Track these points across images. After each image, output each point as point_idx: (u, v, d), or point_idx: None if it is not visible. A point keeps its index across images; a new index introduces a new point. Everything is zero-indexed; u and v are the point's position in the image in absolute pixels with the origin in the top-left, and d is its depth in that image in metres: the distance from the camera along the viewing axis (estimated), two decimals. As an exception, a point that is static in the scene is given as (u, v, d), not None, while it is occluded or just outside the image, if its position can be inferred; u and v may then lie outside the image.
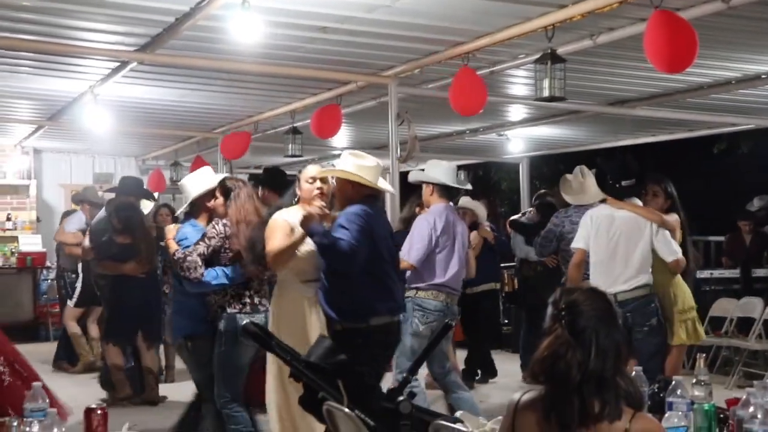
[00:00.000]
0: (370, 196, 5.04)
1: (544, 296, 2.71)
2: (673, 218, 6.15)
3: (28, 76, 8.17)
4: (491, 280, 8.98)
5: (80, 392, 7.99)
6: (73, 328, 9.71)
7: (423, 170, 6.59)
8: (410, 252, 6.26)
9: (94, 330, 9.69)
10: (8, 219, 12.87)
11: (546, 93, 6.09)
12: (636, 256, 5.98)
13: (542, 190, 10.21)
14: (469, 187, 7.15)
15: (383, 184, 5.19)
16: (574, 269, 6.29)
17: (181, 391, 8.29)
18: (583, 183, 7.44)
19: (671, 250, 6.02)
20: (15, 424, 2.67)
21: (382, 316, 5.03)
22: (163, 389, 8.32)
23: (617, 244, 6.02)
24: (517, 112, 10.22)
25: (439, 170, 6.49)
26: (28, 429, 2.94)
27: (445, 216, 6.39)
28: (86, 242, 8.37)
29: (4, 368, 5.08)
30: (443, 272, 6.37)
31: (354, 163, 4.99)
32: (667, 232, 6.03)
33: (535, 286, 8.93)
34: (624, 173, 6.24)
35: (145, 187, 8.97)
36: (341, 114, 8.31)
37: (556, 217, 7.72)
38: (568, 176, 7.61)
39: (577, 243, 6.29)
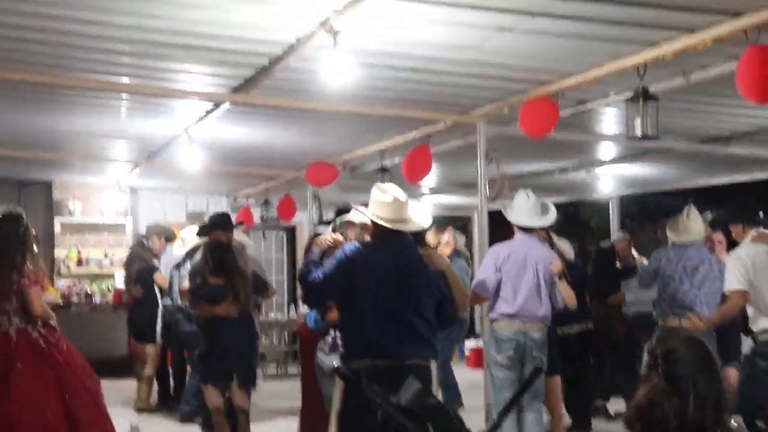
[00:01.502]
0: (389, 231, 4.89)
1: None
2: None
3: (126, 118, 8.43)
4: (576, 320, 8.32)
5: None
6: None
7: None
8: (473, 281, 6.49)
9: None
10: (105, 256, 13.22)
11: (638, 131, 6.01)
12: None
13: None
14: (544, 223, 6.97)
15: (414, 216, 4.96)
16: (735, 311, 6.20)
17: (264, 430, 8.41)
18: (687, 222, 7.35)
19: None
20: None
21: (360, 359, 4.78)
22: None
23: None
24: (607, 150, 10.09)
25: (516, 207, 6.74)
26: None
27: (515, 246, 6.58)
28: (185, 284, 8.50)
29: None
30: (513, 302, 6.47)
31: (372, 199, 4.96)
32: None
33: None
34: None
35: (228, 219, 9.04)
36: (431, 156, 8.32)
37: (657, 253, 7.64)
38: (678, 215, 7.54)
39: (736, 284, 6.05)
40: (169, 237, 10.30)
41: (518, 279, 6.50)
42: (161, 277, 9.59)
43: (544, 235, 7.09)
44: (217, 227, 8.58)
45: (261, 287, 8.21)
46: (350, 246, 4.94)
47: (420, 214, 4.99)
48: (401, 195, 4.88)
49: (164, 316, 9.83)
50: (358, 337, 4.83)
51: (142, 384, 9.98)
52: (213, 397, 7.92)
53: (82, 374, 5.67)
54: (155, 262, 10.09)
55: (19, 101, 7.76)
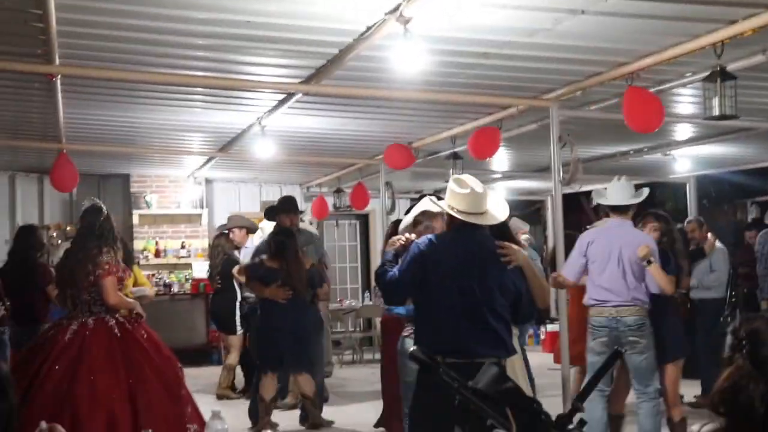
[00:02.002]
0: (465, 224, 4.74)
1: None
2: None
3: (200, 111, 8.56)
4: None
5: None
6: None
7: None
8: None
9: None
10: (182, 247, 13.47)
11: (716, 111, 5.88)
12: None
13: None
14: (637, 200, 6.88)
15: (492, 209, 4.81)
16: None
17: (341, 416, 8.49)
18: None
19: None
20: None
21: (447, 355, 4.63)
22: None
23: None
24: (683, 131, 9.92)
25: (608, 191, 6.80)
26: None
27: (603, 231, 6.63)
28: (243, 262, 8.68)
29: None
30: (601, 288, 6.52)
31: (449, 190, 4.80)
32: None
33: None
34: None
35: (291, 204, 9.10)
36: (500, 136, 8.27)
37: (762, 236, 7.53)
38: None
39: None
40: (251, 229, 10.46)
41: (604, 264, 6.53)
42: (238, 269, 9.76)
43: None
44: (281, 211, 8.70)
45: (316, 282, 8.24)
46: (424, 239, 4.84)
47: (497, 206, 4.85)
48: (479, 187, 4.73)
49: (242, 308, 9.98)
50: (431, 333, 4.74)
51: (225, 372, 10.17)
52: (266, 385, 8.02)
53: (160, 362, 5.78)
54: (236, 253, 10.23)
55: (99, 98, 7.94)
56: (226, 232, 10.35)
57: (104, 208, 6.12)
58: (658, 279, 6.38)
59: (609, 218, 6.80)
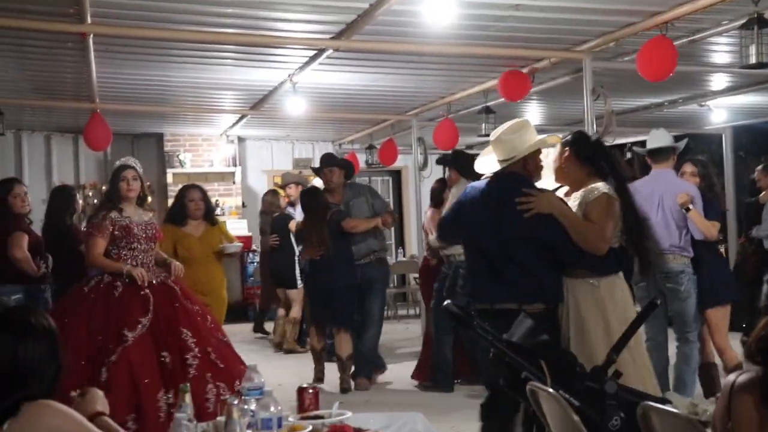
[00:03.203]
0: (498, 172, 4.81)
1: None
2: None
3: (231, 68, 8.56)
4: None
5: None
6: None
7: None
8: None
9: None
10: (216, 205, 13.54)
11: (753, 59, 5.80)
12: None
13: None
14: (678, 145, 6.88)
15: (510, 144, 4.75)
16: None
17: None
18: None
19: None
20: (235, 402, 2.82)
21: (474, 301, 4.93)
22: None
23: None
24: (719, 80, 9.77)
25: (648, 141, 6.83)
26: (246, 407, 3.11)
27: (645, 182, 6.64)
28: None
29: (193, 359, 5.32)
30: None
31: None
32: None
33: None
34: None
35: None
36: (529, 79, 8.16)
37: None
38: None
39: None
40: (305, 185, 10.53)
41: (648, 215, 6.49)
42: (294, 224, 9.83)
43: None
44: (316, 170, 8.76)
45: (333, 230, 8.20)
46: (470, 186, 5.01)
47: (519, 139, 4.75)
48: (499, 131, 4.80)
49: (300, 263, 10.05)
50: (469, 278, 4.91)
51: (287, 326, 10.31)
52: (313, 338, 8.33)
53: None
54: (291, 210, 10.30)
55: (131, 57, 7.96)
56: (274, 189, 10.45)
57: (134, 165, 5.96)
58: (699, 225, 6.39)
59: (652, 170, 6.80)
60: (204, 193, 7.63)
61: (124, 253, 5.70)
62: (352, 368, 8.16)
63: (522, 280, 4.66)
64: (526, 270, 4.68)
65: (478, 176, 5.11)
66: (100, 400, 2.76)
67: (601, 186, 4.69)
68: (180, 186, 13.33)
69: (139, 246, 5.74)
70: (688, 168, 6.82)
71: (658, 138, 6.77)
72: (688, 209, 6.36)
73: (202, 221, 7.49)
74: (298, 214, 9.45)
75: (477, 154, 5.22)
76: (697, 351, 6.56)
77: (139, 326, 5.33)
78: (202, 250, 7.33)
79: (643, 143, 7.04)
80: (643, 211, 6.25)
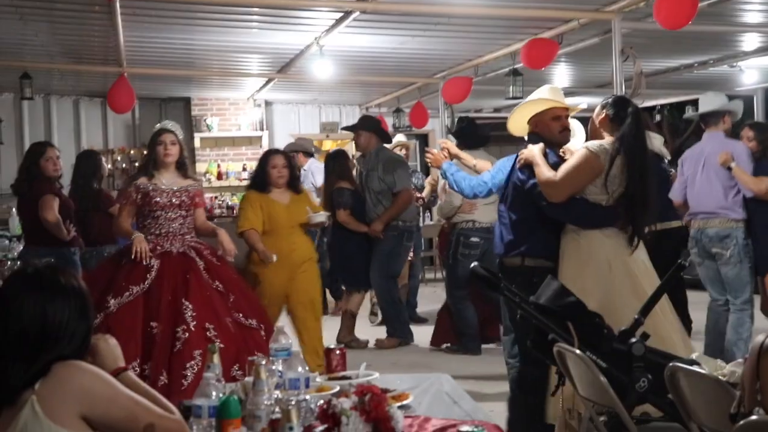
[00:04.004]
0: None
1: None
2: None
3: (258, 31, 8.53)
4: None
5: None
6: None
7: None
8: None
9: None
10: (244, 169, 13.56)
11: (786, 18, 5.71)
12: None
13: None
14: (731, 107, 6.91)
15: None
16: None
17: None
18: None
19: None
20: (263, 363, 2.84)
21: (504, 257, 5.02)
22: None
23: None
24: (751, 41, 9.62)
25: (699, 103, 6.94)
26: (273, 367, 3.13)
27: (696, 146, 6.81)
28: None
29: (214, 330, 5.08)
30: (692, 201, 6.71)
31: None
32: None
33: None
34: None
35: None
36: (555, 46, 8.10)
37: None
38: None
39: None
40: (309, 152, 10.64)
41: (694, 177, 6.68)
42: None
43: None
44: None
45: (334, 204, 8.44)
46: None
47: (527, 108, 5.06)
48: (531, 96, 5.06)
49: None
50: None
51: None
52: (350, 299, 8.67)
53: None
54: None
55: (157, 20, 7.96)
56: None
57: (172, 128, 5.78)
58: (742, 181, 6.35)
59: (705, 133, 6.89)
60: (289, 159, 7.06)
61: (148, 222, 5.53)
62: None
63: (512, 235, 4.89)
64: (512, 221, 4.91)
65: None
66: (116, 350, 2.75)
67: (597, 141, 4.71)
68: (208, 150, 13.52)
69: (164, 214, 5.52)
70: (746, 132, 6.75)
71: (708, 101, 6.78)
72: (729, 168, 6.31)
73: (286, 189, 6.84)
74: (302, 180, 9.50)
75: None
76: (749, 318, 6.45)
77: (126, 294, 5.12)
78: (289, 219, 6.76)
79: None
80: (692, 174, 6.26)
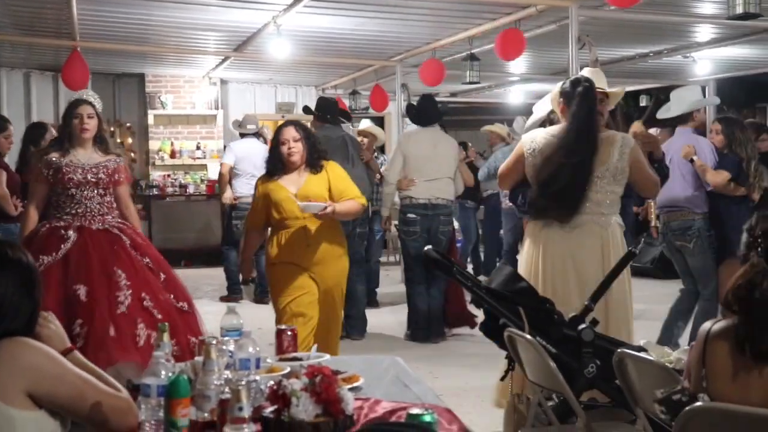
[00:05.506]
0: None
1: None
2: None
3: (215, 8, 8.44)
4: None
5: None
6: None
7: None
8: None
9: None
10: (198, 148, 13.46)
11: (739, 10, 5.78)
12: None
13: None
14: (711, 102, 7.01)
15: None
16: None
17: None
18: None
19: None
20: (213, 342, 2.81)
21: None
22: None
23: None
24: (704, 32, 9.74)
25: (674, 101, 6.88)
26: (224, 347, 3.10)
27: (665, 145, 6.47)
28: None
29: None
30: (660, 196, 6.40)
31: None
32: None
33: None
34: None
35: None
36: (524, 37, 8.15)
37: None
38: None
39: None
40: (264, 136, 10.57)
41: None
42: None
43: None
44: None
45: None
46: None
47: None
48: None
49: None
50: None
51: None
52: None
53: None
54: None
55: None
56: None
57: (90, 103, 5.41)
58: (701, 174, 6.43)
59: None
60: (305, 129, 5.46)
61: (63, 200, 5.11)
62: None
63: None
64: None
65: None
66: (60, 330, 2.72)
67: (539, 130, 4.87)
68: (161, 128, 13.35)
69: (79, 192, 5.09)
70: (714, 126, 6.83)
71: (676, 103, 6.80)
72: (692, 161, 6.40)
73: (305, 168, 5.37)
74: None
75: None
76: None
77: (37, 263, 4.95)
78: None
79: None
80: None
